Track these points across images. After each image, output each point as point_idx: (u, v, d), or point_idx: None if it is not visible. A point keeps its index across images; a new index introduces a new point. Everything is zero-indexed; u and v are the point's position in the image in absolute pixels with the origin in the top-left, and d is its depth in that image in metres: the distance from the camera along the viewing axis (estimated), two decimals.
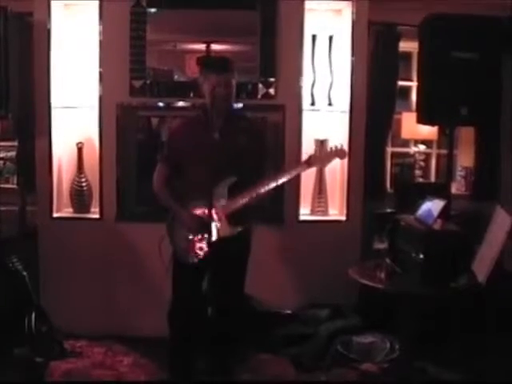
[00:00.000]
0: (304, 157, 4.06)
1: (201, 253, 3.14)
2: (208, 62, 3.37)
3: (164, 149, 3.39)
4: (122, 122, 4.18)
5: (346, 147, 4.17)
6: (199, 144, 3.14)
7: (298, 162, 3.43)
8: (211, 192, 2.99)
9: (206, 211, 3.04)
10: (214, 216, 3.09)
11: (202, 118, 3.21)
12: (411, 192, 4.18)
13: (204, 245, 3.11)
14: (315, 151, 3.24)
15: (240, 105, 3.89)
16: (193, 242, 3.17)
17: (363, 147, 4.30)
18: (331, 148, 3.30)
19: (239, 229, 3.18)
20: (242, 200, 3.11)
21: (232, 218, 3.13)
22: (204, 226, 3.06)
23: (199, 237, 3.14)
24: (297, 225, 4.28)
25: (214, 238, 3.09)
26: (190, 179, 3.22)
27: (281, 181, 3.17)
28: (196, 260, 3.16)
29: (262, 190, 3.11)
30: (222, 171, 3.07)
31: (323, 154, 3.22)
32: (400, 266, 3.38)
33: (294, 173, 3.25)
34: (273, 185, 3.13)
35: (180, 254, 3.23)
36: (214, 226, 3.11)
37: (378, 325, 3.95)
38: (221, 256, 3.01)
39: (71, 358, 3.84)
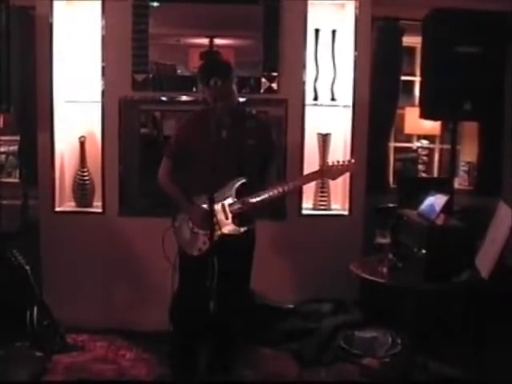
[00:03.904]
0: (306, 153, 4.20)
1: (204, 247, 3.14)
2: (205, 72, 3.16)
3: (170, 144, 3.39)
4: (125, 116, 4.18)
5: (348, 143, 4.24)
6: (206, 141, 3.11)
7: (309, 173, 3.45)
8: (214, 189, 2.98)
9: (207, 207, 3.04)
10: (222, 213, 3.14)
11: (209, 115, 3.17)
12: (414, 187, 4.15)
13: (207, 239, 3.10)
14: (326, 163, 3.33)
15: (242, 99, 3.87)
16: (197, 235, 3.19)
17: (366, 142, 4.29)
18: (343, 162, 3.30)
19: (245, 228, 3.19)
20: (256, 202, 3.14)
21: (239, 218, 3.16)
22: (208, 220, 3.05)
23: (204, 231, 3.14)
24: (299, 219, 4.28)
25: (218, 234, 3.10)
26: (196, 176, 3.21)
27: (290, 187, 3.22)
28: (198, 253, 3.17)
29: (274, 195, 3.15)
30: (228, 169, 3.09)
31: (335, 167, 3.26)
32: (402, 261, 3.37)
33: (301, 183, 3.40)
34: (283, 190, 3.16)
35: (183, 247, 3.24)
36: (221, 223, 3.15)
37: (380, 320, 3.95)
38: (226, 253, 2.99)
39: (73, 352, 3.84)
